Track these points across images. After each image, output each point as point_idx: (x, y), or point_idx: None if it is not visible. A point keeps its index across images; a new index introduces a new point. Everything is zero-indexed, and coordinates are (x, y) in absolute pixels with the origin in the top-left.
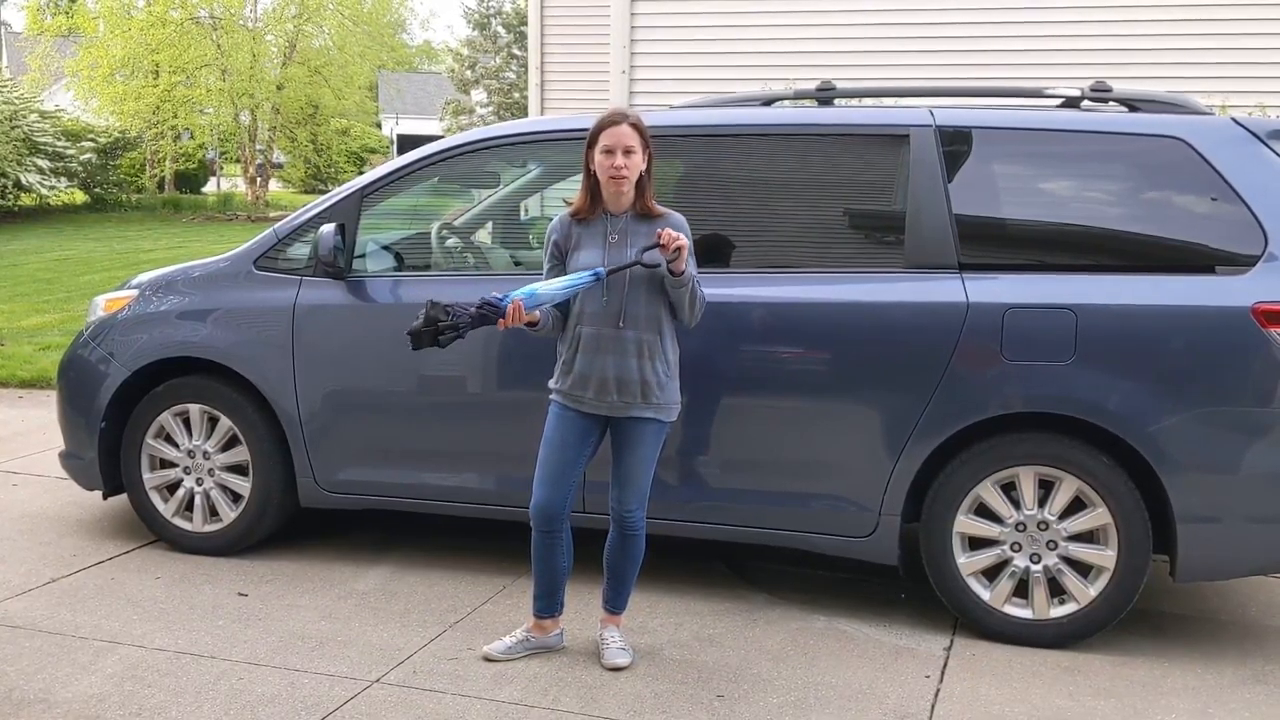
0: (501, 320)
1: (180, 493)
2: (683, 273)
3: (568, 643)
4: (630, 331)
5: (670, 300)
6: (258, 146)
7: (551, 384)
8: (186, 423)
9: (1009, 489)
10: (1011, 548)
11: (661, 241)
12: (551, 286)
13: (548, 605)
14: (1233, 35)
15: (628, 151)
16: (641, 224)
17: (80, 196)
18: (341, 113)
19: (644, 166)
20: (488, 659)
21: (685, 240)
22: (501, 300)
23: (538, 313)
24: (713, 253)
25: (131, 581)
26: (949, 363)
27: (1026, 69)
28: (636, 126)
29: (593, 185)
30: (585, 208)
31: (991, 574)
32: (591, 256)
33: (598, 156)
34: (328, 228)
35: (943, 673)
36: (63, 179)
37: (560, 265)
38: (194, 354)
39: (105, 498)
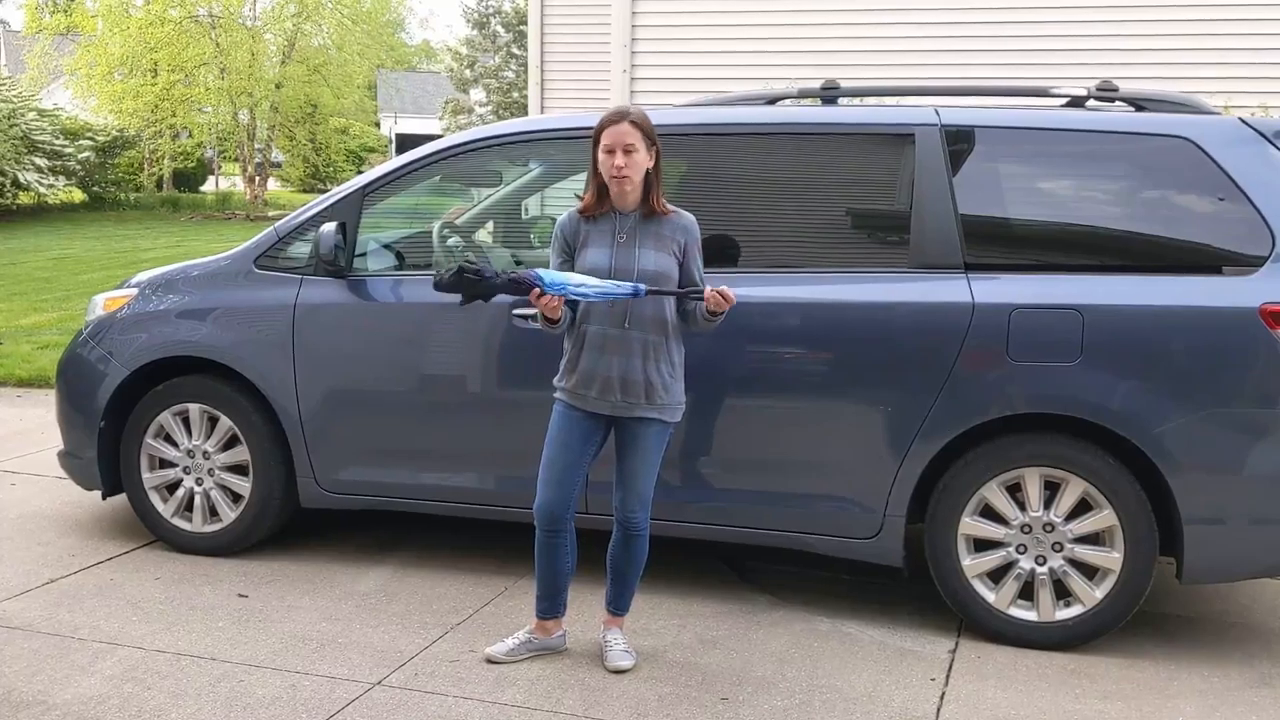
0: (536, 293)
1: (180, 493)
2: (721, 313)
3: (570, 644)
4: (636, 332)
5: (681, 309)
6: (256, 145)
7: (556, 381)
8: (186, 422)
9: (1014, 490)
10: (1017, 549)
11: (712, 303)
12: (587, 285)
13: (550, 606)
14: (1236, 35)
15: (628, 150)
16: (650, 223)
17: (78, 195)
18: (340, 112)
19: (650, 164)
20: (490, 661)
21: (733, 302)
22: (535, 279)
23: (564, 309)
24: (717, 253)
25: (131, 582)
26: (954, 363)
27: (1031, 68)
28: (638, 124)
29: (600, 183)
30: (593, 205)
31: (996, 576)
32: (599, 256)
33: (600, 155)
34: (328, 226)
35: (948, 675)
36: (61, 177)
37: (569, 261)
38: (194, 353)
39: (104, 497)
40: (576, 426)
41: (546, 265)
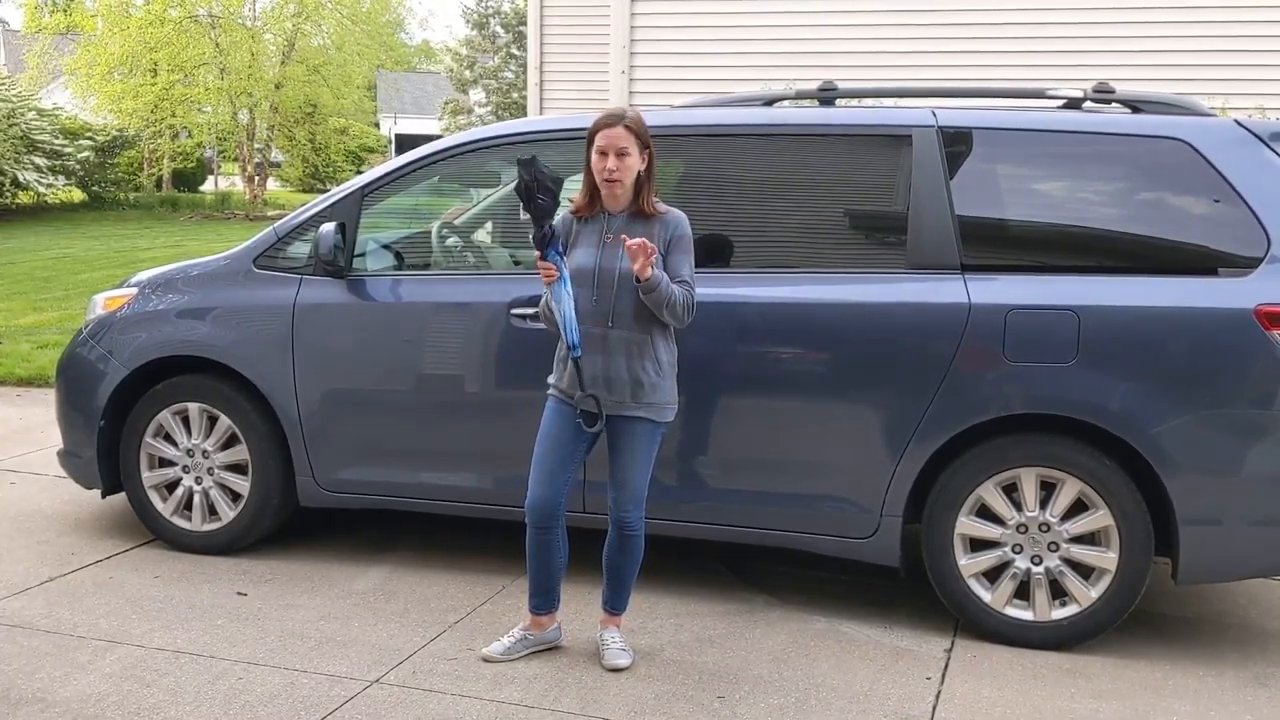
0: (540, 256)
1: (179, 491)
2: (647, 279)
3: (568, 643)
4: (619, 331)
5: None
6: (256, 145)
7: (550, 379)
8: (185, 421)
9: (1010, 490)
10: (1013, 549)
11: (628, 246)
12: (566, 304)
13: (544, 602)
14: (1233, 37)
15: (620, 154)
16: (639, 224)
17: (78, 195)
18: (340, 112)
19: (643, 166)
20: (487, 660)
21: (648, 249)
22: (555, 253)
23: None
24: (714, 253)
25: (130, 580)
26: (951, 364)
27: (1029, 69)
28: (631, 127)
29: (592, 183)
30: (585, 205)
31: (993, 575)
32: (587, 256)
33: (593, 157)
34: (328, 226)
35: (944, 674)
36: (60, 177)
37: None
38: (193, 352)
39: (103, 496)
40: (567, 422)
41: None
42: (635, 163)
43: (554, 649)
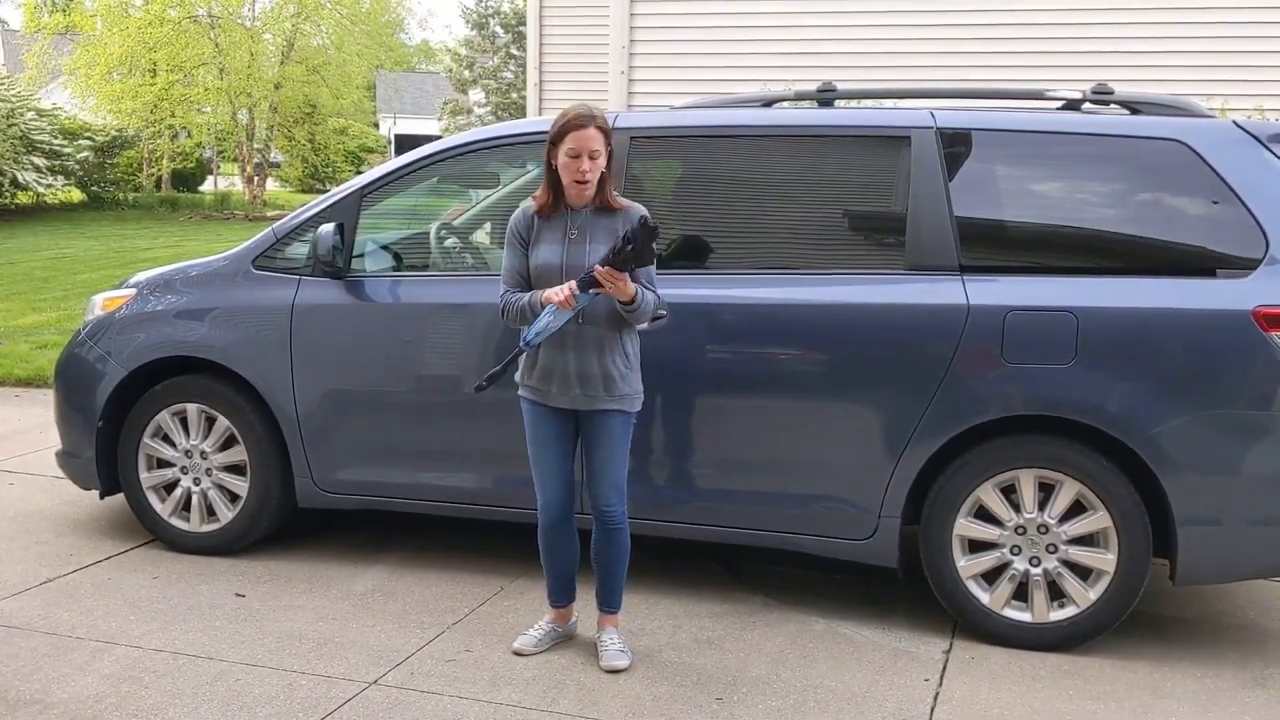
0: (584, 290)
1: (177, 492)
2: (631, 299)
3: (565, 643)
4: (589, 328)
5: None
6: (255, 145)
7: (518, 378)
8: (184, 422)
9: (1009, 492)
10: (1011, 550)
11: (597, 277)
12: (563, 323)
13: (565, 596)
14: (1233, 39)
15: (592, 155)
16: (602, 218)
17: (77, 195)
18: (339, 112)
19: (605, 162)
20: (519, 654)
21: (622, 278)
22: (589, 295)
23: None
24: (715, 254)
25: (128, 581)
26: (950, 365)
27: (1027, 71)
28: (602, 128)
29: (554, 181)
30: (548, 205)
31: (991, 577)
32: (551, 252)
33: (562, 158)
34: (327, 227)
35: (942, 676)
36: (59, 177)
37: (523, 253)
38: (192, 353)
39: (102, 497)
40: (549, 422)
41: None
42: (603, 162)
43: (561, 644)
